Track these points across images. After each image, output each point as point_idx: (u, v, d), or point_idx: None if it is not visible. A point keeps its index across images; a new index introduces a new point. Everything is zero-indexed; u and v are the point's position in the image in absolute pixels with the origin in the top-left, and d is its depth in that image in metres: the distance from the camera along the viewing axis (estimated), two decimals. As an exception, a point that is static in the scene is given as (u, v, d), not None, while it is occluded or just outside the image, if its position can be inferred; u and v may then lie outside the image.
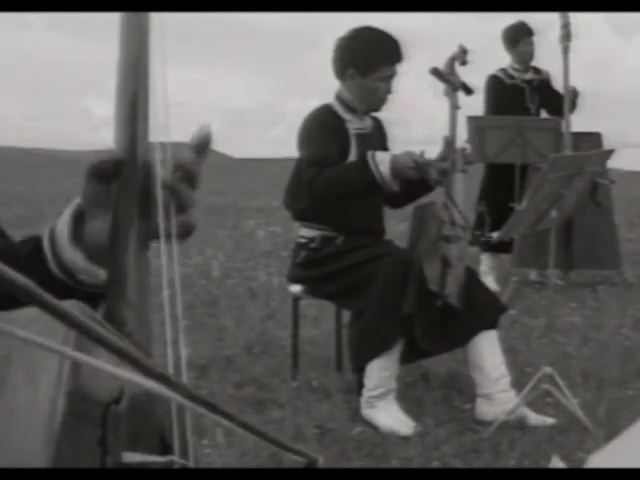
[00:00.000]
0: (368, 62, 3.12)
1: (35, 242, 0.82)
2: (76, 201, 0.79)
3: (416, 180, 3.06)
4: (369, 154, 2.99)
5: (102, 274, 0.79)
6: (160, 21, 0.66)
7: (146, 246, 0.70)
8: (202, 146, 0.71)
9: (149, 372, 0.52)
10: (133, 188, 0.68)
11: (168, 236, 0.69)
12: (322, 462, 0.64)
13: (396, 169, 2.94)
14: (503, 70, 5.78)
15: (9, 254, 0.83)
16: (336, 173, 2.99)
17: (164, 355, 0.65)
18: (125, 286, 0.68)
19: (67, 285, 0.80)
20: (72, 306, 0.58)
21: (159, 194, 0.67)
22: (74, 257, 0.78)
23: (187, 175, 0.71)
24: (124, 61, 0.67)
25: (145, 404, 0.66)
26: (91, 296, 0.84)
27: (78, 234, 0.78)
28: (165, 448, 0.68)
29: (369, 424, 2.94)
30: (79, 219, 0.78)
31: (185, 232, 0.72)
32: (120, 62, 0.67)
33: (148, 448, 0.66)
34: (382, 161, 2.95)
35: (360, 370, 3.05)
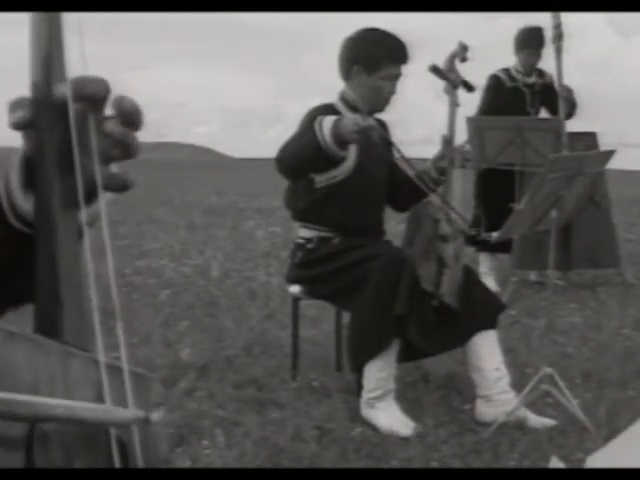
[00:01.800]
0: (373, 60, 3.10)
1: None
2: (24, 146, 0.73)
3: (416, 182, 3.05)
4: (318, 118, 2.85)
5: None
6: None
7: (74, 211, 0.63)
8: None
9: None
10: (52, 138, 0.62)
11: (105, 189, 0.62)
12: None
13: (340, 134, 2.76)
14: (506, 71, 5.66)
15: None
16: (296, 139, 2.91)
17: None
18: (56, 273, 0.61)
19: (26, 235, 0.74)
20: None
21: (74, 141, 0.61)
22: (26, 205, 0.72)
23: (123, 113, 0.64)
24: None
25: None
26: None
27: (30, 180, 0.72)
28: (126, 456, 0.62)
29: (369, 425, 2.94)
30: (29, 165, 0.72)
31: (119, 185, 0.66)
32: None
33: (101, 461, 0.60)
34: (326, 125, 2.80)
35: (358, 371, 3.04)
